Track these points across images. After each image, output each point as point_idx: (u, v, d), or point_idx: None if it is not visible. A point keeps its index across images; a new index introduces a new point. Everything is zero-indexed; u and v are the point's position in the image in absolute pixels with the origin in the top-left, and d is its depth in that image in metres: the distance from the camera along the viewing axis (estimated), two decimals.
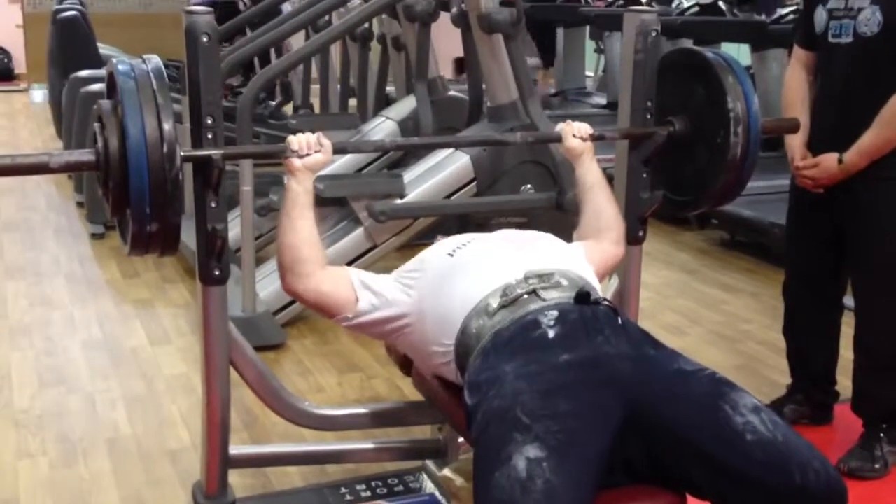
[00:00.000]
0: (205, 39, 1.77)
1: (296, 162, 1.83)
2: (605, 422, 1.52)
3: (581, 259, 1.93)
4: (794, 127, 2.33)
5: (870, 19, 2.27)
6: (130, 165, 1.57)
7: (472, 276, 1.81)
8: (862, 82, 2.32)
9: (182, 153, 1.66)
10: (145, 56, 1.71)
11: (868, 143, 2.30)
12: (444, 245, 1.95)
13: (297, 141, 1.85)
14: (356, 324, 1.87)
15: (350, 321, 1.87)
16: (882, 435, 2.45)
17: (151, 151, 1.57)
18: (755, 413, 1.52)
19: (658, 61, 2.14)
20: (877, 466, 2.41)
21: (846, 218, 2.41)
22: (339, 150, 1.95)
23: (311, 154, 1.84)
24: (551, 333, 1.64)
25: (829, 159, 2.36)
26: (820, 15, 2.39)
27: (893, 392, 2.45)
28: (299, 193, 1.83)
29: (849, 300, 2.62)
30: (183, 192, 1.64)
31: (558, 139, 2.10)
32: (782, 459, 1.46)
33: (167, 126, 1.59)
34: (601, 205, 2.05)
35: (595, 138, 2.08)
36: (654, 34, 2.07)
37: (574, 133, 2.07)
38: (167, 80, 1.66)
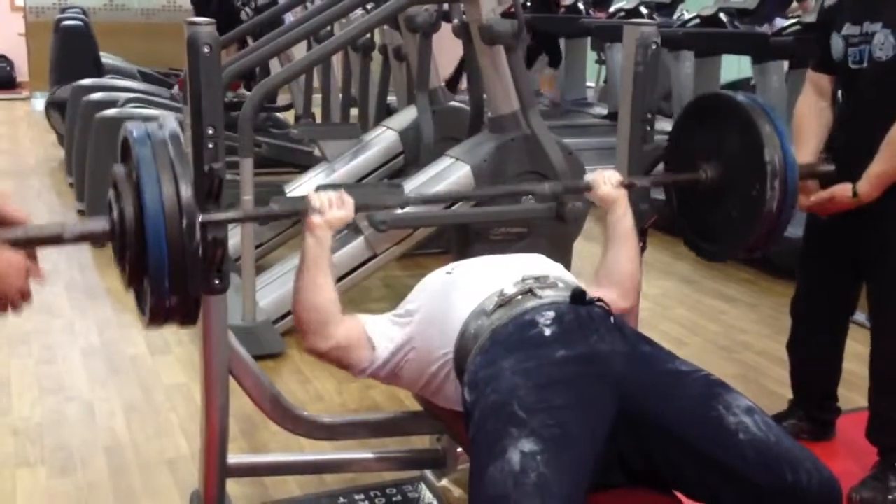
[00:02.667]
0: (206, 50, 1.78)
1: (316, 219, 1.80)
2: (600, 416, 1.54)
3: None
4: (829, 174, 2.26)
5: (884, 43, 2.23)
6: (149, 239, 1.50)
7: (470, 285, 1.86)
8: (880, 106, 2.27)
9: (201, 219, 1.59)
10: (160, 118, 1.64)
11: (877, 170, 2.24)
12: (443, 267, 1.99)
13: (318, 198, 1.82)
14: (374, 371, 1.90)
15: (369, 370, 1.90)
16: None
17: (170, 224, 1.50)
18: (748, 414, 1.53)
19: (686, 105, 2.11)
20: (890, 497, 2.35)
21: (865, 243, 2.35)
22: (361, 208, 1.89)
23: (333, 211, 1.82)
24: (548, 332, 1.68)
25: (843, 191, 2.29)
26: (836, 42, 2.35)
27: None
28: (319, 251, 1.81)
29: (856, 315, 2.60)
30: (201, 264, 1.57)
31: (588, 189, 2.07)
32: (774, 459, 1.48)
33: (186, 195, 1.51)
34: (621, 259, 2.00)
35: (626, 186, 2.05)
36: (654, 46, 2.08)
37: (604, 181, 2.05)
38: (183, 143, 1.59)
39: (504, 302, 1.77)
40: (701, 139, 2.10)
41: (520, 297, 1.78)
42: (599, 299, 1.79)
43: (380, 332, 1.90)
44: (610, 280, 2.01)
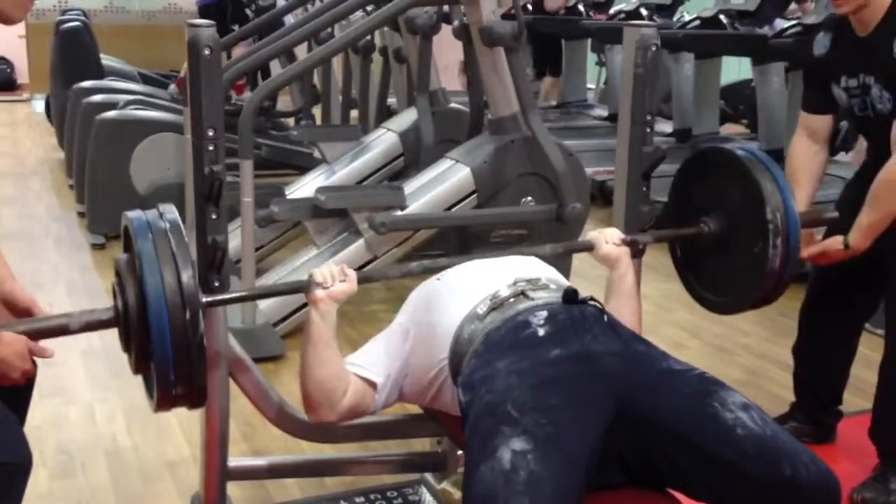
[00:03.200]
0: (207, 52, 1.77)
1: (319, 293, 1.78)
2: (594, 415, 1.54)
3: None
4: (833, 221, 2.26)
5: (881, 97, 2.25)
6: (153, 331, 1.52)
7: (461, 289, 1.86)
8: (888, 153, 2.24)
9: (204, 300, 1.63)
10: (161, 208, 1.65)
11: (867, 221, 2.22)
12: (432, 276, 1.99)
13: (320, 274, 1.80)
14: (382, 407, 1.89)
15: (379, 409, 1.89)
16: None
17: (173, 317, 1.52)
18: (744, 409, 1.54)
19: (687, 159, 2.12)
20: (892, 499, 2.35)
21: (886, 249, 2.31)
22: (363, 279, 1.88)
23: (336, 285, 1.80)
24: (541, 332, 1.68)
25: (834, 244, 2.28)
26: (838, 93, 2.36)
27: None
28: (324, 326, 1.79)
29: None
30: (205, 352, 1.60)
31: (590, 248, 2.06)
32: (772, 453, 1.48)
33: (189, 286, 1.54)
34: (624, 318, 1.91)
35: (628, 244, 2.05)
36: (653, 48, 2.08)
37: (605, 241, 2.04)
38: (184, 232, 1.61)
39: (496, 305, 1.78)
40: (702, 193, 2.12)
41: (512, 299, 1.78)
42: (592, 298, 1.79)
43: (374, 369, 1.87)
44: None
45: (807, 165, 2.44)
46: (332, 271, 1.80)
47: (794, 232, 1.97)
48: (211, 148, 1.78)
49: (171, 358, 1.53)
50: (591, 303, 1.78)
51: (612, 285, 2.03)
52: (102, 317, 1.61)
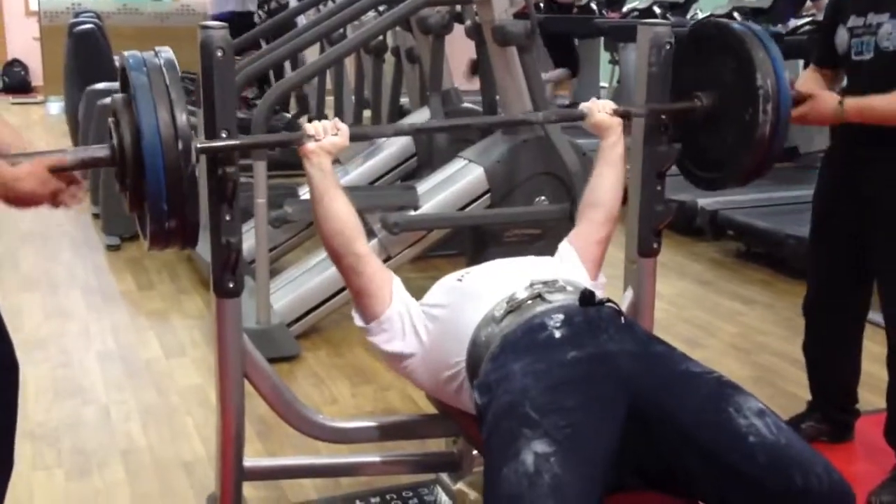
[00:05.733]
0: (219, 54, 1.77)
1: (311, 145, 1.83)
2: (611, 416, 1.54)
3: (579, 267, 1.99)
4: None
5: (891, 34, 2.23)
6: (146, 163, 1.55)
7: (479, 292, 1.86)
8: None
9: (198, 145, 1.65)
10: (157, 48, 1.68)
11: (872, 104, 2.22)
12: (455, 273, 1.99)
13: (313, 127, 1.85)
14: (380, 337, 1.89)
15: (375, 329, 1.89)
16: None
17: (167, 148, 1.55)
18: (759, 416, 1.52)
19: (686, 33, 2.12)
20: None
21: (870, 225, 2.35)
22: (356, 135, 1.95)
23: (328, 138, 1.84)
24: (558, 334, 1.68)
25: (830, 97, 2.26)
26: (841, 35, 2.35)
27: None
28: (320, 177, 1.84)
29: (875, 316, 2.56)
30: (198, 188, 1.62)
31: (582, 117, 2.10)
32: (784, 462, 1.46)
33: (181, 120, 1.56)
34: (607, 183, 2.07)
35: (619, 114, 2.08)
36: (667, 46, 2.06)
37: (598, 109, 2.08)
38: (178, 70, 1.64)
39: (513, 308, 1.77)
40: (696, 68, 2.12)
41: (529, 301, 1.77)
42: (609, 300, 1.79)
43: (401, 298, 1.90)
44: (595, 201, 2.07)
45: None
46: (325, 125, 1.86)
47: (784, 98, 1.98)
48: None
49: (165, 190, 1.55)
50: (608, 304, 1.77)
51: (601, 153, 2.10)
52: (98, 154, 1.63)
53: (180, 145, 1.56)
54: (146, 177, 1.56)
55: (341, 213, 1.86)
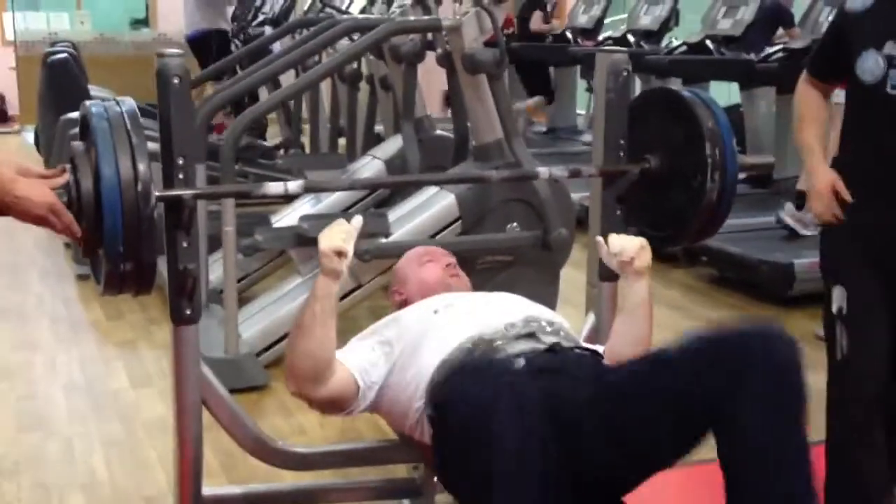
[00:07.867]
0: (176, 81, 1.77)
1: (339, 265, 1.80)
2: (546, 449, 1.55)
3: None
4: (769, 167, 2.34)
5: None
6: (104, 206, 1.57)
7: (447, 331, 1.85)
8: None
9: (157, 193, 1.66)
10: (119, 98, 1.72)
11: None
12: (430, 303, 1.97)
13: (343, 242, 1.86)
14: (357, 412, 1.89)
15: (355, 412, 1.89)
16: None
17: (125, 191, 1.57)
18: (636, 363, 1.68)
19: (633, 99, 2.15)
20: None
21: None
22: (311, 188, 1.95)
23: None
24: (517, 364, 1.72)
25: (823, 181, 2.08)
26: (874, 62, 1.97)
27: None
28: (328, 303, 1.79)
29: None
30: (156, 232, 1.63)
31: (535, 177, 2.15)
32: (704, 357, 1.63)
33: (142, 166, 1.61)
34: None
35: (571, 174, 2.10)
36: (624, 73, 2.09)
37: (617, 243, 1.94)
38: (140, 120, 1.66)
39: (479, 346, 1.80)
40: (647, 132, 2.14)
41: (497, 343, 1.80)
42: (578, 347, 1.84)
43: (360, 367, 1.86)
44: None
45: (820, 112, 2.19)
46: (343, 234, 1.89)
47: (731, 166, 2.03)
48: (181, 176, 1.77)
49: (122, 232, 1.56)
50: (577, 351, 1.81)
51: (621, 300, 2.02)
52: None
53: (140, 188, 1.59)
54: (104, 219, 1.57)
55: (330, 341, 1.78)
